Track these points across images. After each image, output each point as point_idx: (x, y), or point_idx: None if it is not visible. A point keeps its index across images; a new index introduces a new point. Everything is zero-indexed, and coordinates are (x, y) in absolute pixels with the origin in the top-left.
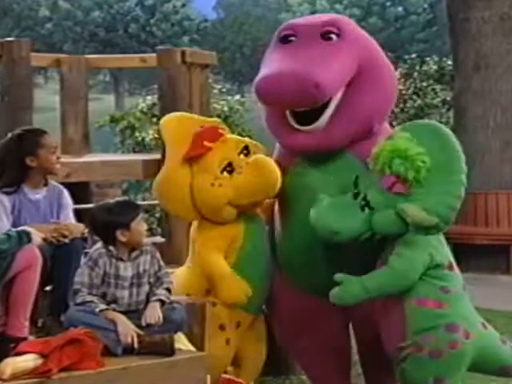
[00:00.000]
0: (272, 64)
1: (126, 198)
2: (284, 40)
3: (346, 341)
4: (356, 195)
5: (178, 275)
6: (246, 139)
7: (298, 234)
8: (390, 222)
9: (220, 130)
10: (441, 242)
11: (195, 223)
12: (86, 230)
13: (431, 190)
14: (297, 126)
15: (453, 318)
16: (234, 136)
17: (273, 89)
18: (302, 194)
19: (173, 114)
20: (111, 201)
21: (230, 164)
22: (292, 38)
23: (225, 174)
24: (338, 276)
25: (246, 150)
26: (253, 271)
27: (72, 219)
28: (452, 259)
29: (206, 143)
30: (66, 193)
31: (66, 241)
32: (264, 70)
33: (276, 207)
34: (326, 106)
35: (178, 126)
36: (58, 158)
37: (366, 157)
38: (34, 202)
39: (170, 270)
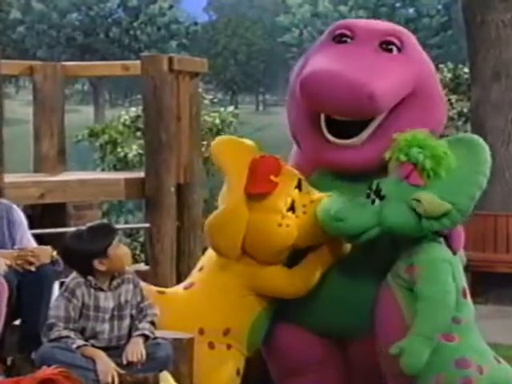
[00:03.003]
0: (322, 61)
1: (98, 221)
2: (337, 39)
3: None
4: (368, 194)
5: (181, 299)
6: (296, 172)
7: None
8: (400, 214)
9: (281, 162)
10: (458, 263)
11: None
12: (55, 253)
13: (450, 182)
14: (332, 139)
15: (463, 351)
16: (287, 167)
17: (321, 88)
18: None
19: (222, 138)
20: (82, 227)
21: (292, 202)
22: (347, 39)
23: (290, 213)
24: (396, 348)
25: (300, 185)
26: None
27: (30, 239)
28: (466, 285)
29: (273, 178)
30: (16, 209)
31: (32, 268)
32: (313, 66)
33: None
34: (369, 119)
35: (233, 151)
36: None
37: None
38: None
39: (159, 289)
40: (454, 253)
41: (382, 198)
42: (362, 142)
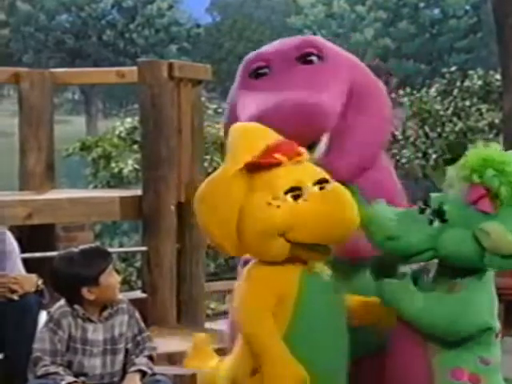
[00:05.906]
0: (255, 102)
1: (91, 245)
2: (255, 74)
3: None
4: (423, 210)
5: None
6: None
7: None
8: (462, 243)
9: (298, 148)
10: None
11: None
12: (40, 282)
13: None
14: None
15: None
16: (313, 164)
17: (272, 126)
18: None
19: (248, 123)
20: (74, 250)
21: (298, 189)
22: (265, 71)
23: (288, 197)
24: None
25: (322, 184)
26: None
27: (21, 269)
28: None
29: (276, 155)
30: (9, 236)
31: (15, 297)
32: (247, 111)
33: None
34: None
35: (252, 135)
36: None
37: (373, 191)
38: None
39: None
40: None
41: (443, 220)
42: (320, 156)
